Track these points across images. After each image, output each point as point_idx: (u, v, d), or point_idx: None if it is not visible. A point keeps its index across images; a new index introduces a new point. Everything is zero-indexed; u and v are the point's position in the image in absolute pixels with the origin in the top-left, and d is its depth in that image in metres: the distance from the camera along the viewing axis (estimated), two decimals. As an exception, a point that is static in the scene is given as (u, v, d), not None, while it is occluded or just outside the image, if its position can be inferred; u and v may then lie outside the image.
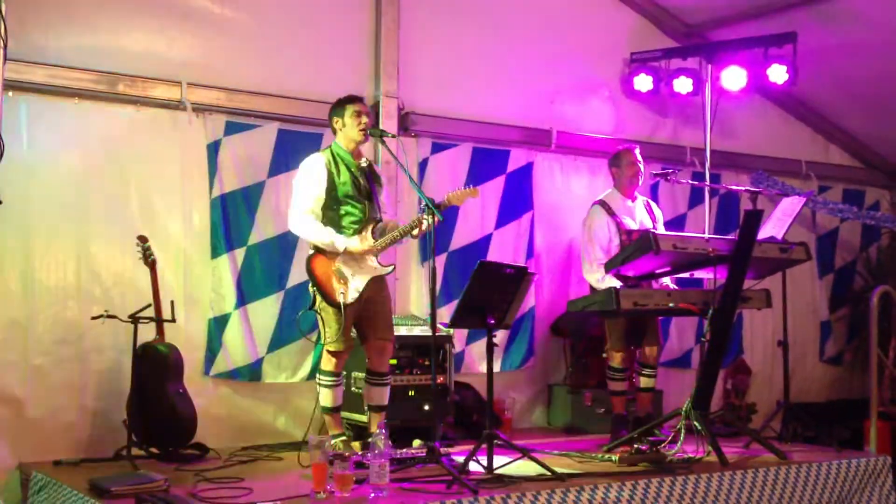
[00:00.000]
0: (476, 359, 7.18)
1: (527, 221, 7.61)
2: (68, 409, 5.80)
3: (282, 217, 6.39)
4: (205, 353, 6.26)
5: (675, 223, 7.86)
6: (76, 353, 5.84)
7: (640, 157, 6.77)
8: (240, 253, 6.39)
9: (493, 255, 7.29)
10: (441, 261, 7.04)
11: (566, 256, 7.73)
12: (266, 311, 6.47)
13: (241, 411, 6.40)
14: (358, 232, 5.67)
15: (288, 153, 6.51)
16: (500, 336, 7.01)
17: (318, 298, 5.63)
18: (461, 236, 7.27)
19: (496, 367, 5.39)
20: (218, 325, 6.31)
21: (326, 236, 5.58)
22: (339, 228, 5.64)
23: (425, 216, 5.42)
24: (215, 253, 6.31)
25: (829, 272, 9.31)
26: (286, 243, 6.49)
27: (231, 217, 6.36)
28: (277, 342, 6.49)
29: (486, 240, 7.41)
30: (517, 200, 7.58)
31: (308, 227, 5.61)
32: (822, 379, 9.21)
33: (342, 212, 5.69)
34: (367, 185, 5.79)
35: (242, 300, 6.38)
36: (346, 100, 5.82)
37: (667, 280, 6.65)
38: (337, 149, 5.79)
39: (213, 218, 6.32)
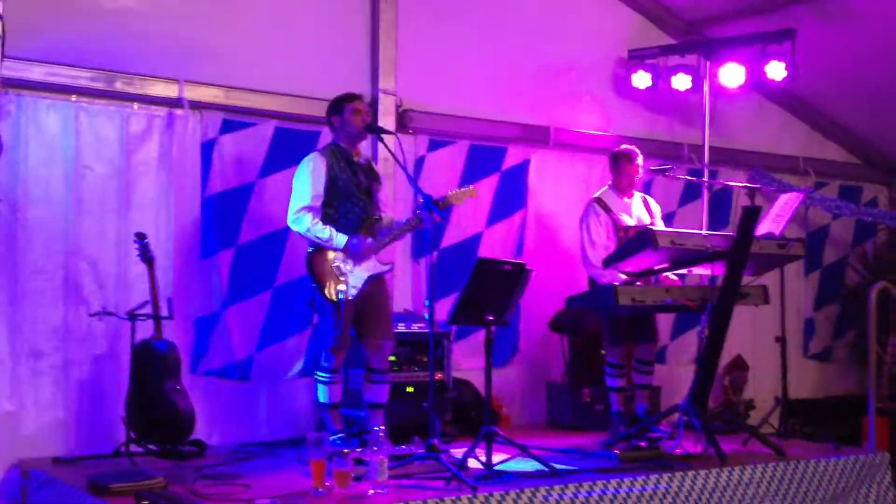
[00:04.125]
0: (465, 355, 7.17)
1: (518, 220, 7.61)
2: (65, 407, 5.81)
3: (271, 216, 6.41)
4: (191, 351, 6.26)
5: (666, 220, 7.82)
6: (72, 350, 5.84)
7: (639, 164, 6.74)
8: (229, 252, 6.39)
9: (484, 253, 7.27)
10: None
11: (558, 254, 7.72)
12: (255, 309, 6.46)
13: (237, 408, 6.40)
14: (358, 229, 5.67)
15: (284, 151, 6.52)
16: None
17: (318, 295, 5.63)
18: (452, 234, 7.27)
19: (480, 364, 5.38)
20: (206, 323, 6.31)
21: (326, 233, 5.58)
22: (339, 226, 5.64)
23: (424, 213, 5.43)
24: (206, 253, 6.31)
25: (815, 269, 9.30)
26: (275, 242, 6.49)
27: (222, 217, 6.36)
28: (267, 340, 6.49)
29: (476, 238, 7.41)
30: (511, 198, 7.58)
31: (307, 224, 5.60)
32: (806, 375, 9.17)
33: (342, 209, 5.69)
34: (366, 182, 5.80)
35: (231, 299, 6.38)
36: (345, 98, 5.82)
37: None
38: (336, 146, 5.80)
39: (204, 217, 6.32)
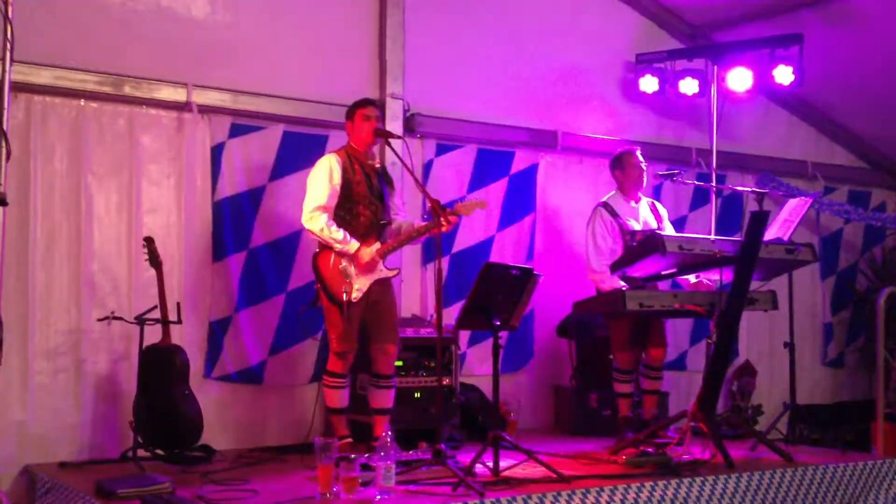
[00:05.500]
0: (478, 361, 7.18)
1: (528, 223, 7.61)
2: (73, 412, 5.81)
3: (283, 220, 6.43)
4: (205, 355, 6.26)
5: (677, 225, 7.83)
6: (80, 355, 5.85)
7: (641, 159, 6.75)
8: (241, 256, 6.40)
9: (495, 257, 7.29)
10: (444, 263, 7.02)
11: (568, 258, 7.72)
12: (268, 313, 6.47)
13: (244, 413, 6.40)
14: (367, 233, 5.67)
15: (292, 155, 6.54)
16: (502, 338, 7.01)
17: (323, 296, 5.64)
18: (463, 239, 7.28)
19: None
20: (219, 327, 6.31)
21: (340, 235, 5.59)
22: (349, 228, 5.65)
23: (434, 222, 5.43)
24: (217, 256, 6.32)
25: (831, 274, 9.28)
26: (288, 246, 6.51)
27: (234, 220, 6.37)
28: (280, 345, 6.49)
29: (488, 242, 7.41)
30: (520, 202, 7.59)
31: (322, 225, 5.59)
32: (822, 381, 9.16)
33: (354, 212, 5.71)
34: (379, 187, 5.82)
35: (244, 303, 6.38)
36: (358, 103, 5.87)
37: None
38: (351, 149, 5.83)
39: (215, 221, 6.32)
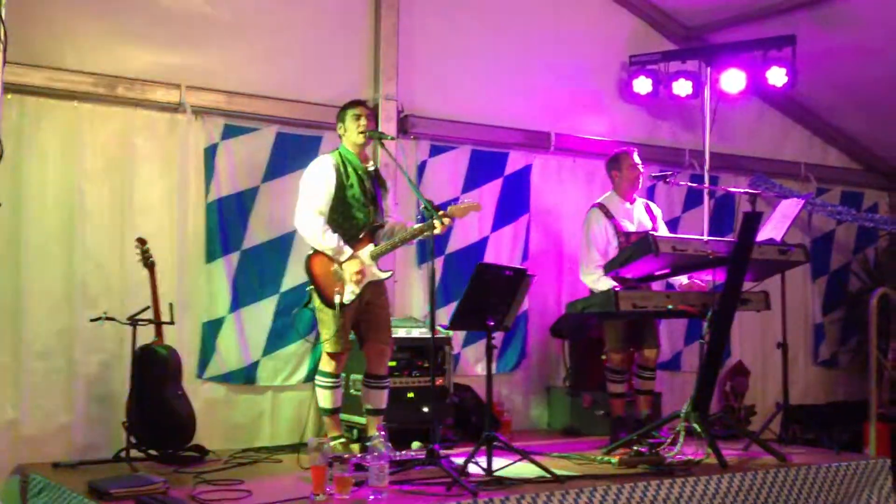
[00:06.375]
0: (472, 361, 7.20)
1: (523, 224, 7.61)
2: (66, 412, 5.80)
3: (276, 221, 6.42)
4: (198, 356, 6.26)
5: (670, 226, 7.85)
6: (72, 355, 5.84)
7: (639, 160, 6.77)
8: (235, 257, 6.39)
9: (490, 257, 7.30)
10: (438, 263, 7.02)
11: (561, 259, 7.73)
12: (261, 314, 6.47)
13: (237, 414, 6.40)
14: (360, 235, 5.68)
15: (286, 156, 6.54)
16: (496, 338, 7.02)
17: (316, 298, 5.65)
18: (458, 239, 7.28)
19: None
20: (212, 328, 6.31)
21: (333, 242, 5.58)
22: (342, 231, 5.65)
23: (428, 224, 5.42)
24: (210, 257, 6.31)
25: (822, 275, 9.30)
26: (281, 247, 6.51)
27: (227, 221, 6.36)
28: (273, 345, 6.49)
29: (482, 242, 7.42)
30: (514, 203, 7.59)
31: (316, 229, 5.60)
32: (814, 381, 9.19)
33: (347, 215, 5.71)
34: (372, 189, 5.82)
35: (237, 304, 6.38)
36: (348, 104, 5.88)
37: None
38: (344, 151, 5.83)
39: (208, 222, 6.32)
